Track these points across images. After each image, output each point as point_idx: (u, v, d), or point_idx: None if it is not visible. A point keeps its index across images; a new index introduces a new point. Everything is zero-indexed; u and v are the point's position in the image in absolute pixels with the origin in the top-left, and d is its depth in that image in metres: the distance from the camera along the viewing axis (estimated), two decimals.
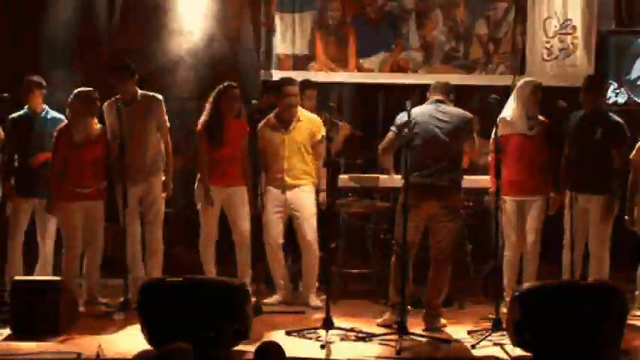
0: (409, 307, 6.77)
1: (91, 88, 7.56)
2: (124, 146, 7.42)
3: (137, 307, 6.33)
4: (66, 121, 7.57)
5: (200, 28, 9.36)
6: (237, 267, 7.75)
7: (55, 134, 7.52)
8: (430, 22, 9.80)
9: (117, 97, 7.65)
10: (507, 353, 6.26)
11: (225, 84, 7.74)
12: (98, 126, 7.60)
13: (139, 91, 7.74)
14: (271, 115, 7.86)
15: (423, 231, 6.94)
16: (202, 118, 7.78)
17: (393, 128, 6.98)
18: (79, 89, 7.55)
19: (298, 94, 7.83)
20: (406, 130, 6.67)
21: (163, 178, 7.75)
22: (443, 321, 6.95)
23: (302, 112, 7.83)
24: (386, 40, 9.81)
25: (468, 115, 7.02)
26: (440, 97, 7.02)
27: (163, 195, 7.75)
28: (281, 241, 7.77)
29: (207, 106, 7.76)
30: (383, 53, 9.80)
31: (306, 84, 8.33)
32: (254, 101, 7.86)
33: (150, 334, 6.19)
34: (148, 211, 7.73)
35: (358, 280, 8.09)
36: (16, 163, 7.76)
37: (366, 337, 6.55)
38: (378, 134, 8.23)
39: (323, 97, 8.69)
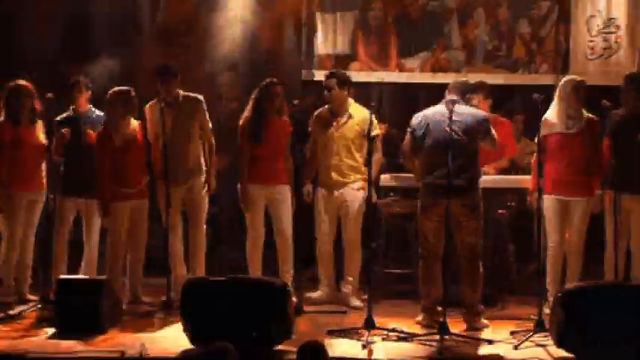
0: (439, 307, 6.76)
1: (127, 87, 7.62)
2: (166, 147, 7.47)
3: (180, 306, 6.37)
4: (104, 124, 7.63)
5: (242, 29, 9.39)
6: (279, 266, 7.75)
7: (95, 138, 7.60)
8: (472, 21, 9.75)
9: (159, 98, 7.70)
10: (550, 354, 6.21)
11: (267, 81, 7.73)
12: (135, 124, 7.66)
13: (181, 92, 7.79)
14: (325, 108, 7.84)
15: (448, 231, 6.93)
16: (244, 116, 7.79)
17: (409, 129, 7.00)
18: (116, 88, 7.62)
19: (335, 87, 7.73)
20: (422, 131, 6.85)
21: (205, 177, 7.80)
22: (485, 321, 6.93)
23: (355, 109, 7.77)
24: (427, 40, 9.78)
25: (481, 113, 7.01)
26: (454, 97, 6.99)
27: (206, 194, 7.79)
28: (331, 237, 7.76)
29: (250, 103, 7.77)
30: (424, 53, 9.77)
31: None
32: (295, 101, 7.87)
33: (192, 334, 6.22)
34: (190, 211, 7.77)
35: (400, 280, 8.07)
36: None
37: (408, 338, 6.54)
38: None
39: (364, 97, 8.66)
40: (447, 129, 6.78)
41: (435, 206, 6.85)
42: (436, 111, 6.97)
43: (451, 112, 6.75)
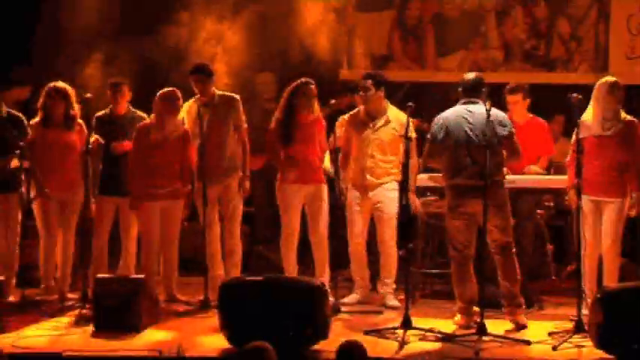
0: (475, 308, 6.73)
1: (173, 88, 7.66)
2: (203, 146, 7.50)
3: (217, 305, 6.38)
4: (147, 120, 7.70)
5: (279, 28, 9.41)
6: (315, 266, 7.75)
7: (134, 133, 7.65)
8: (510, 19, 9.69)
9: (196, 97, 7.73)
10: (589, 355, 6.15)
11: (300, 80, 7.72)
12: (181, 126, 7.68)
13: (217, 92, 7.81)
14: (361, 109, 7.82)
15: (478, 230, 6.90)
16: (275, 115, 7.80)
17: (428, 136, 7.01)
18: (163, 89, 7.66)
19: (371, 88, 7.67)
20: (442, 134, 6.82)
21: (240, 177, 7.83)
22: (524, 317, 6.87)
23: (392, 111, 7.73)
24: (465, 39, 9.74)
25: (501, 114, 6.94)
26: (469, 99, 6.95)
27: (241, 194, 7.82)
28: (364, 239, 7.74)
29: (281, 102, 7.77)
30: (462, 52, 9.72)
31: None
32: (332, 101, 7.85)
33: (229, 333, 6.23)
34: (226, 211, 7.81)
35: (437, 280, 8.05)
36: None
37: (445, 338, 6.51)
38: None
39: (401, 97, 8.64)
40: (467, 130, 6.78)
41: (460, 206, 6.85)
42: (455, 112, 6.93)
43: (471, 112, 6.80)
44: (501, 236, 6.88)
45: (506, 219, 6.92)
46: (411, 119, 7.02)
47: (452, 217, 6.94)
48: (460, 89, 7.03)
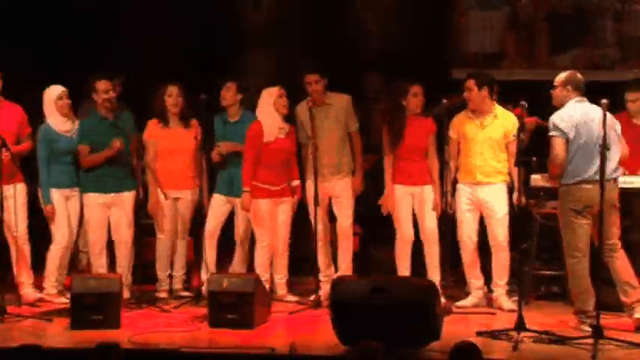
0: (594, 310, 6.59)
1: (277, 87, 7.72)
2: (315, 146, 7.56)
3: (328, 305, 6.41)
4: (257, 120, 7.77)
5: (387, 28, 9.41)
6: (426, 266, 7.72)
7: (247, 133, 7.73)
8: (628, 15, 9.47)
9: (308, 99, 7.78)
10: None
11: (409, 79, 7.72)
12: (285, 124, 7.74)
13: (329, 92, 7.86)
14: (467, 110, 7.77)
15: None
16: (383, 116, 7.82)
17: (557, 133, 6.77)
18: (267, 88, 7.73)
19: (473, 87, 7.56)
20: (573, 133, 6.65)
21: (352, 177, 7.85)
22: None
23: (499, 109, 7.66)
24: (579, 36, 9.56)
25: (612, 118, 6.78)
26: (582, 97, 6.81)
27: (352, 193, 7.84)
28: (475, 239, 7.66)
29: (389, 102, 7.80)
30: (576, 49, 9.55)
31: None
32: (444, 100, 7.81)
33: (341, 332, 6.25)
34: (337, 210, 7.84)
35: (551, 281, 7.92)
36: None
37: (560, 341, 6.40)
38: None
39: (514, 96, 8.52)
40: (597, 129, 6.62)
41: (588, 207, 6.70)
42: (580, 111, 6.78)
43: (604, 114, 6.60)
44: (613, 238, 6.76)
45: (618, 217, 6.81)
46: (526, 118, 6.92)
47: (578, 218, 6.75)
48: (573, 87, 6.88)
